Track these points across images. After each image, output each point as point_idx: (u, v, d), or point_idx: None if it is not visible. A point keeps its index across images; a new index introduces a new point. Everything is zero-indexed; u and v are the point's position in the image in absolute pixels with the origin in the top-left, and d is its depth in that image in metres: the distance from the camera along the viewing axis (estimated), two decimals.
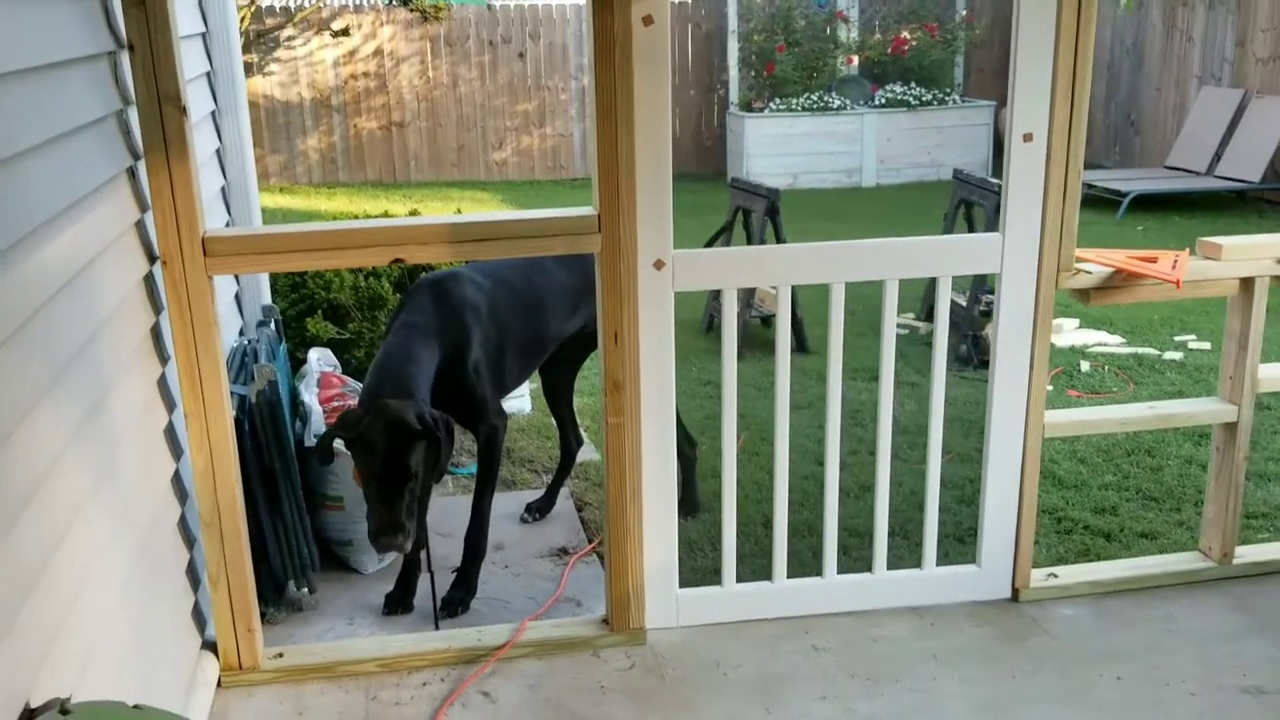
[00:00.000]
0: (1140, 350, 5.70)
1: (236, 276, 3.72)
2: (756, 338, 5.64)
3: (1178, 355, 5.61)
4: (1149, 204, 9.34)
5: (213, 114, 3.52)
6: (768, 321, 5.79)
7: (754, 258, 2.99)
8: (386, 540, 2.84)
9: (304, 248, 2.58)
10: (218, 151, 3.59)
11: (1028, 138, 2.79)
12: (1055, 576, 3.18)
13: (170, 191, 2.42)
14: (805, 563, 3.32)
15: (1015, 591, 3.13)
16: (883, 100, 11.52)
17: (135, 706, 1.15)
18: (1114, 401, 4.91)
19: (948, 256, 2.93)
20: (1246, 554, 3.23)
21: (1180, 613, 3.07)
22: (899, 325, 5.98)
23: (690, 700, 2.74)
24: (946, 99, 11.64)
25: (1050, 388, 5.13)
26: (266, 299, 3.94)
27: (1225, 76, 10.20)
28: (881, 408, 3.02)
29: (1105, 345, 5.81)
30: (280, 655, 2.87)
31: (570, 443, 3.89)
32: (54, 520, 1.81)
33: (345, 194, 11.26)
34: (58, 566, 1.78)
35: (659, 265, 2.71)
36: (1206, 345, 5.73)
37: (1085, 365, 5.48)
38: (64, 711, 1.03)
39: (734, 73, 11.70)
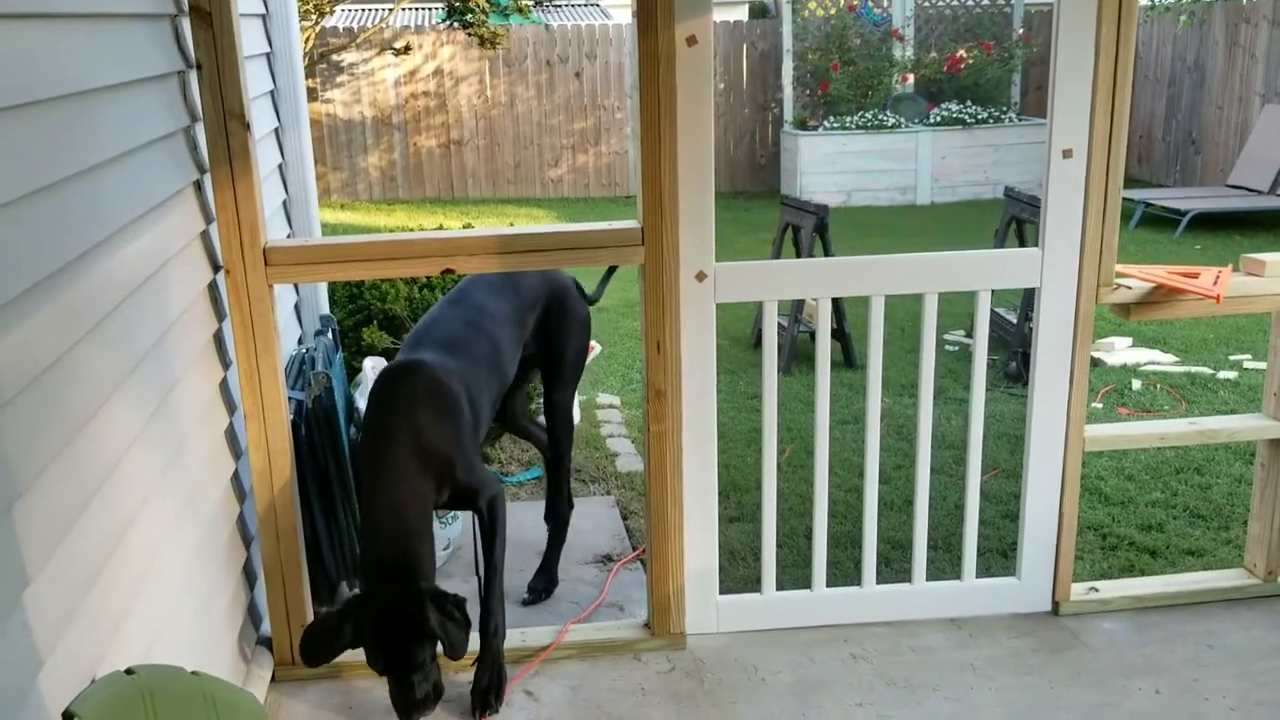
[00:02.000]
0: (1194, 369, 5.65)
1: (296, 287, 3.85)
2: (804, 352, 5.68)
3: (1232, 374, 5.55)
4: (1209, 223, 9.23)
5: (276, 131, 3.67)
6: (815, 336, 5.83)
7: (794, 271, 3.04)
8: (404, 718, 2.61)
9: (358, 258, 2.69)
10: (280, 167, 3.73)
11: (1067, 154, 2.82)
12: (1096, 590, 3.19)
13: (234, 204, 2.54)
14: (847, 573, 3.36)
15: (1055, 605, 3.14)
16: (938, 118, 11.51)
17: (193, 673, 1.24)
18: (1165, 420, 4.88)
19: (987, 271, 2.97)
20: None
21: (1222, 629, 3.06)
22: (950, 342, 6.04)
23: (728, 704, 2.79)
24: (1003, 117, 11.60)
25: (1100, 405, 5.12)
26: (325, 309, 4.07)
27: None
28: (921, 420, 3.06)
29: (1158, 364, 5.77)
30: None
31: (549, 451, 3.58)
32: (125, 505, 1.93)
33: (404, 210, 11.49)
34: (127, 550, 1.89)
35: (701, 277, 2.78)
36: (1262, 365, 5.66)
37: (1137, 384, 5.45)
38: (129, 671, 1.12)
39: (789, 91, 11.76)
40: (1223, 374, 5.56)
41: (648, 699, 2.81)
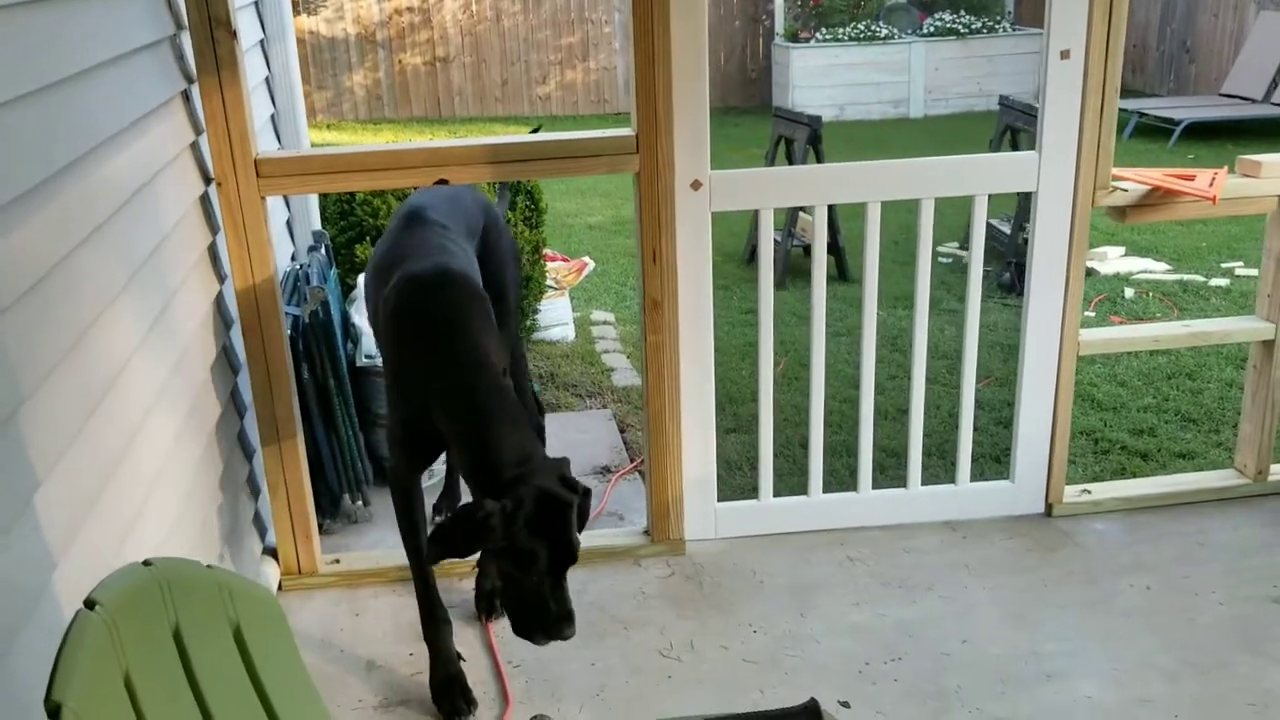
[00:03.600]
0: (1186, 277, 5.67)
1: (288, 203, 3.82)
2: (797, 267, 5.67)
3: (1224, 282, 5.57)
4: (1203, 132, 9.17)
5: (261, 42, 3.61)
6: (809, 250, 5.82)
7: (790, 178, 3.03)
8: (569, 628, 2.20)
9: (351, 168, 2.67)
10: (266, 80, 3.67)
11: (1065, 54, 2.79)
12: (1089, 492, 3.24)
13: (224, 114, 2.51)
14: (843, 480, 3.40)
15: (1048, 507, 3.19)
16: (931, 29, 11.35)
17: (209, 566, 1.27)
18: None
19: (984, 175, 2.96)
20: None
21: (1212, 527, 3.12)
22: (943, 254, 6.03)
23: (727, 605, 2.85)
24: (997, 27, 11.44)
25: (1093, 314, 5.14)
26: (316, 225, 4.04)
27: None
28: (916, 328, 3.07)
29: (1151, 272, 5.78)
30: (337, 561, 3.01)
31: None
32: (130, 413, 1.94)
33: (391, 129, 11.35)
34: (135, 458, 1.91)
35: (696, 185, 2.76)
36: (1254, 272, 5.67)
37: (1130, 292, 5.46)
38: (146, 563, 1.14)
39: (779, 2, 11.57)
40: (1215, 281, 5.58)
41: (648, 602, 2.87)
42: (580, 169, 2.76)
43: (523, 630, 2.22)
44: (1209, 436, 3.86)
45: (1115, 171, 2.93)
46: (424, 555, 2.45)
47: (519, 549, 2.13)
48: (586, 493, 2.28)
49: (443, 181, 2.71)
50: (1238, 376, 4.29)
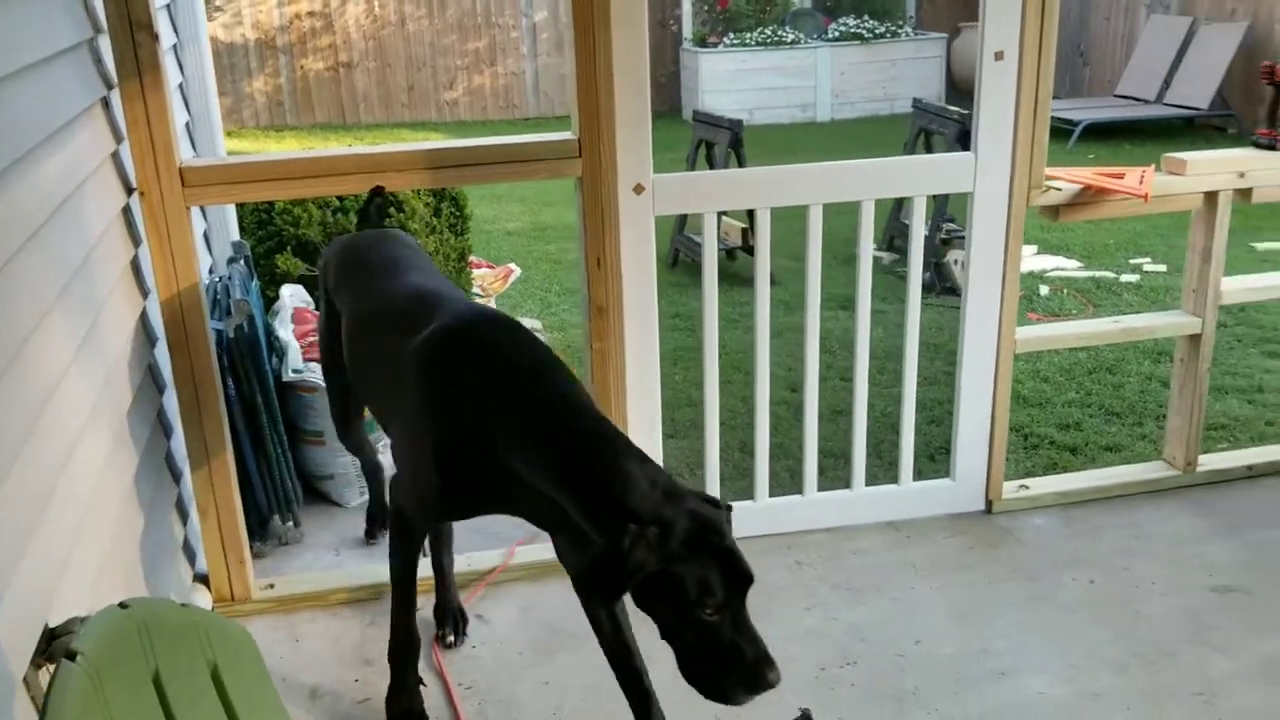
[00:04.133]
0: (1097, 274, 5.82)
1: (204, 213, 3.67)
2: (722, 270, 5.65)
3: (1134, 278, 5.73)
4: (1100, 132, 9.45)
5: (174, 47, 3.46)
6: (732, 254, 5.83)
7: (733, 181, 3.01)
8: (773, 671, 1.87)
9: (283, 176, 2.56)
10: (180, 86, 3.52)
11: (999, 56, 2.82)
12: (1026, 488, 3.28)
13: (146, 121, 2.39)
14: (783, 484, 3.39)
15: (988, 503, 3.22)
16: (836, 34, 11.51)
17: (182, 605, 1.18)
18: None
19: (922, 176, 2.97)
20: (1208, 462, 3.35)
21: (1147, 519, 3.18)
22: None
23: None
24: (899, 31, 11.65)
25: None
26: (235, 235, 3.90)
27: (1173, 4, 10.29)
28: (859, 329, 3.08)
29: (1063, 270, 5.92)
30: (271, 586, 2.89)
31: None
32: (66, 433, 1.82)
33: (294, 136, 11.09)
34: (69, 482, 1.79)
35: (639, 189, 2.72)
36: (1162, 268, 5.86)
37: (1044, 289, 5.58)
38: (122, 605, 1.06)
39: (687, 7, 11.61)
40: (1125, 277, 5.74)
41: None
42: (521, 174, 2.69)
43: (714, 689, 1.84)
44: (1133, 429, 3.95)
45: (1047, 171, 2.97)
46: (589, 602, 2.01)
47: (684, 576, 1.78)
48: (729, 508, 1.99)
49: (379, 189, 2.62)
50: (1155, 370, 4.41)
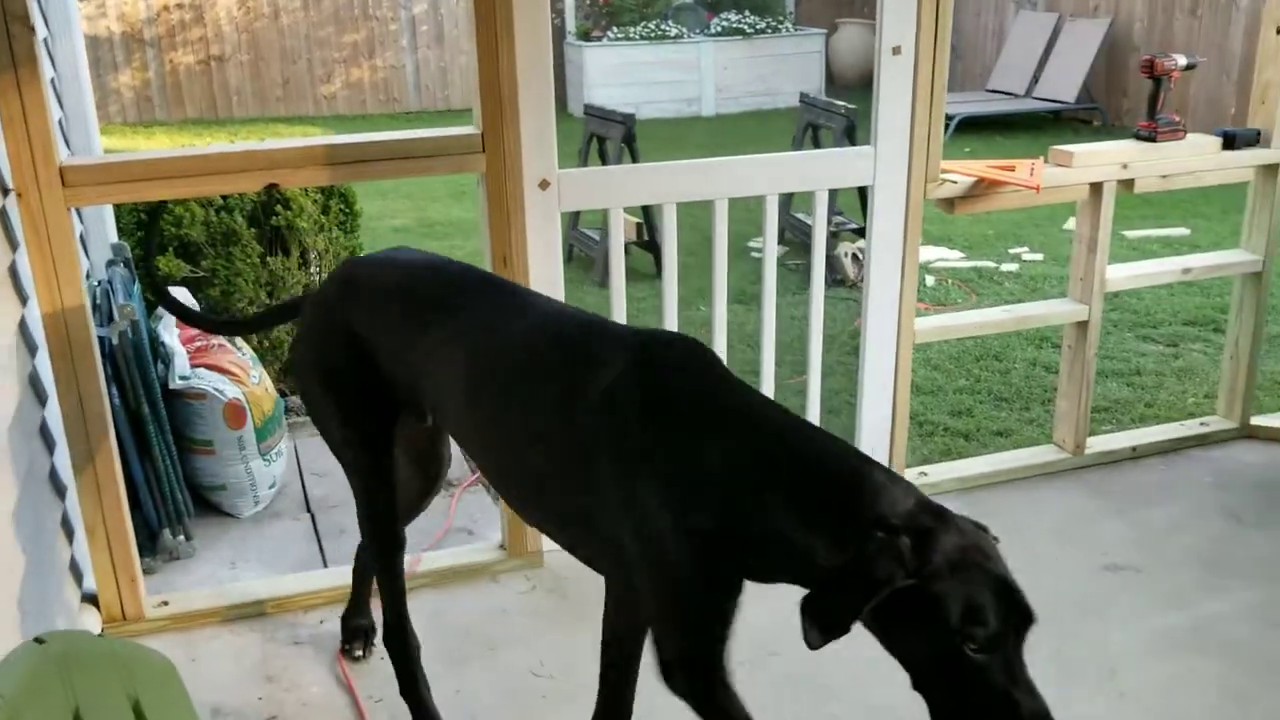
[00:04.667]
0: (979, 264, 5.99)
1: (80, 214, 3.48)
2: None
3: (1014, 267, 5.91)
4: (974, 126, 9.74)
5: (45, 41, 3.26)
6: (626, 249, 5.81)
7: (639, 175, 2.99)
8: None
9: (171, 174, 2.44)
10: (52, 81, 3.32)
11: (896, 50, 2.86)
12: (926, 475, 3.34)
13: (23, 117, 2.25)
14: None
15: None
16: (718, 29, 11.60)
17: (100, 635, 1.11)
18: (959, 312, 5.15)
19: (824, 170, 3.00)
20: (1096, 444, 3.47)
21: (1042, 501, 3.28)
22: (754, 249, 6.14)
23: (595, 616, 2.74)
24: (780, 26, 11.80)
25: None
26: (113, 237, 3.72)
27: (1040, 1, 10.66)
28: (764, 323, 3.09)
29: (946, 260, 6.07)
30: (165, 603, 2.77)
31: None
32: None
33: (165, 132, 10.67)
34: None
35: (544, 185, 2.68)
36: (1039, 256, 6.06)
37: (930, 280, 5.72)
38: (39, 640, 0.98)
39: (570, 1, 11.55)
40: (1006, 266, 5.92)
41: (512, 619, 2.76)
42: (422, 169, 2.62)
43: None
44: (1021, 414, 4.07)
45: (942, 164, 3.03)
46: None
47: (944, 595, 1.42)
48: (997, 538, 1.67)
49: (272, 186, 2.52)
50: (1039, 355, 4.56)
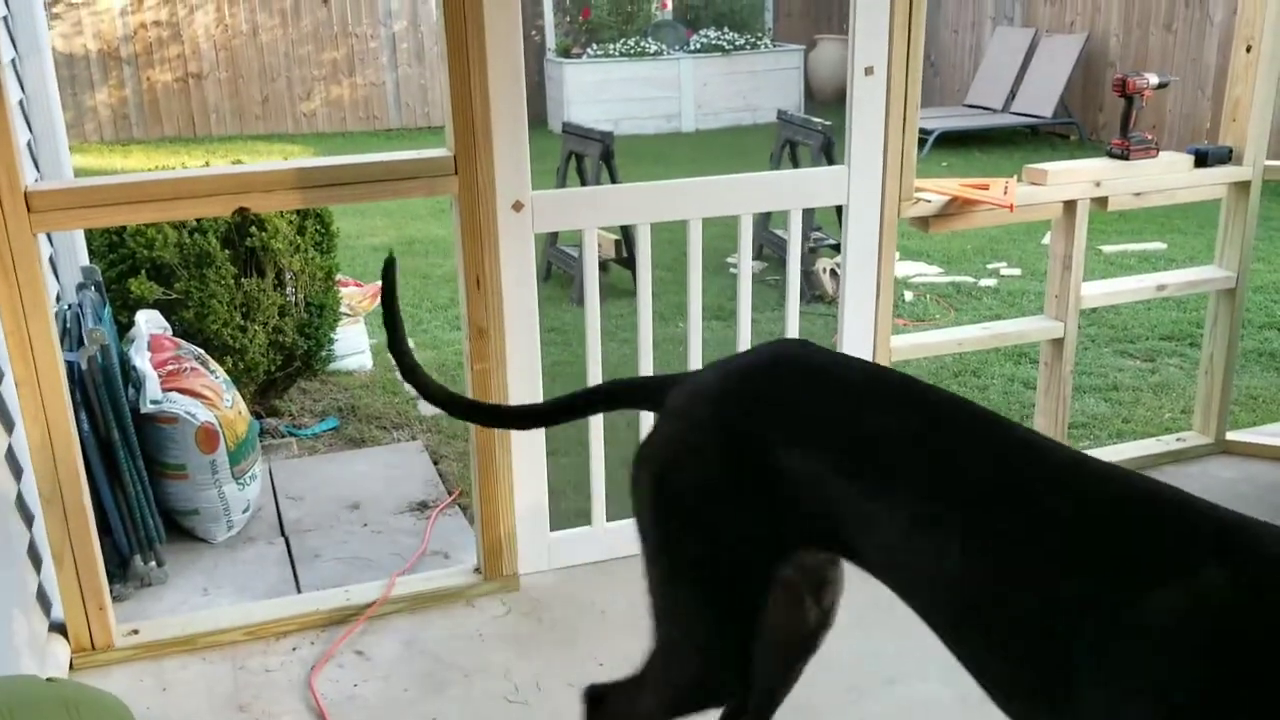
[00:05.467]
0: (957, 279, 6.00)
1: (50, 237, 3.45)
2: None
3: (992, 282, 5.93)
4: (952, 141, 9.78)
5: (13, 62, 3.24)
6: (605, 266, 5.80)
7: (613, 196, 2.98)
8: None
9: (139, 199, 2.42)
10: (21, 103, 3.30)
11: (869, 71, 2.86)
12: None
13: None
14: None
15: None
16: (698, 45, 11.63)
17: (49, 679, 1.08)
18: (937, 328, 5.15)
19: (798, 189, 3.00)
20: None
21: None
22: (732, 265, 6.14)
23: (570, 640, 2.75)
24: (759, 43, 11.84)
25: None
26: (84, 260, 3.68)
27: (1017, 16, 10.73)
28: (740, 340, 3.08)
29: (925, 275, 6.08)
30: (135, 632, 2.72)
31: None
32: None
33: (142, 151, 10.62)
34: None
35: (518, 207, 2.67)
36: (1017, 271, 6.08)
37: (909, 295, 5.73)
38: None
39: (549, 17, 11.57)
40: (984, 282, 5.93)
41: (487, 644, 2.73)
42: (395, 192, 2.60)
43: None
44: None
45: (915, 183, 3.03)
46: None
47: None
48: None
49: (242, 210, 2.50)
50: (1016, 371, 4.56)
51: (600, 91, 11.15)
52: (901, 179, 2.96)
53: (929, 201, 3.03)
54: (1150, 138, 3.26)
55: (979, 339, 3.35)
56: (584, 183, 5.60)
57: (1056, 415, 3.37)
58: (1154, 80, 3.25)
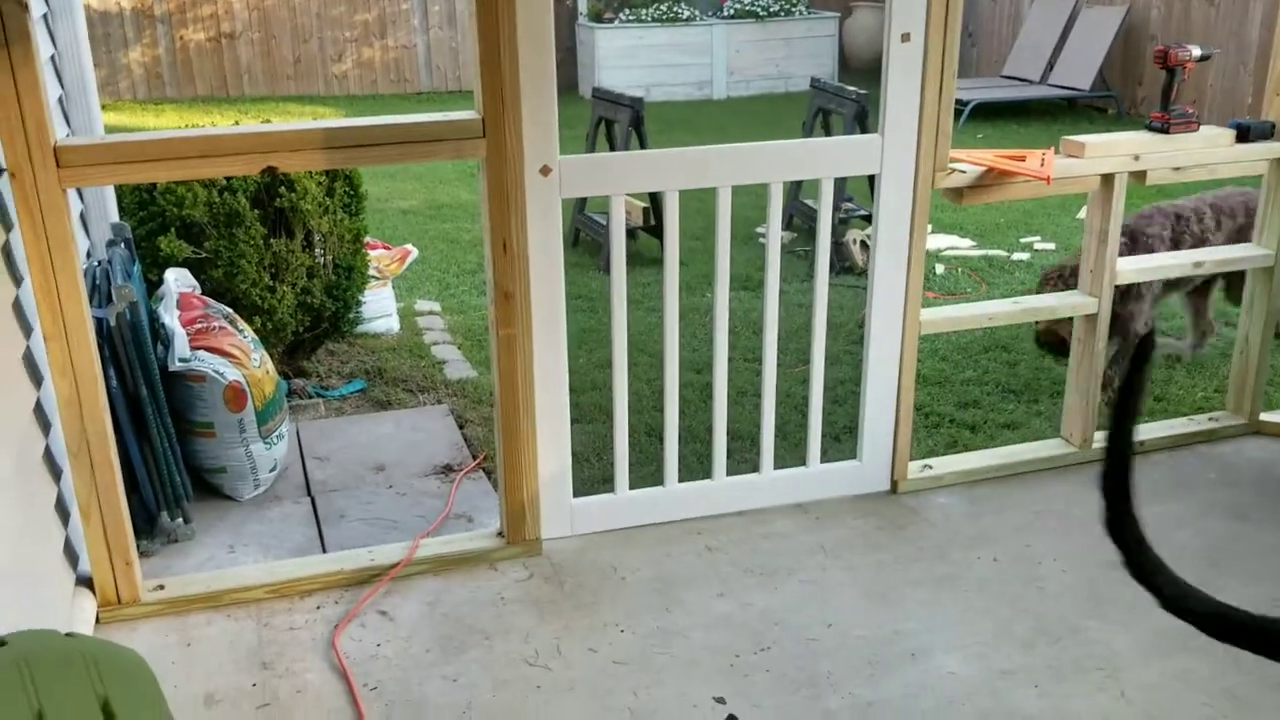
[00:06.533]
0: (990, 252, 5.93)
1: (81, 193, 3.47)
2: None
3: (1025, 256, 5.85)
4: (988, 112, 9.65)
5: (45, 17, 3.24)
6: (633, 234, 5.77)
7: (641, 162, 2.95)
8: None
9: (167, 156, 2.41)
10: (52, 58, 3.31)
11: (905, 38, 2.81)
12: (930, 468, 3.31)
13: (15, 96, 2.22)
14: (690, 468, 3.36)
15: (894, 484, 3.24)
16: (731, 11, 11.51)
17: (68, 634, 1.08)
18: (968, 302, 5.10)
19: (830, 158, 2.96)
20: (1104, 439, 3.41)
21: (1047, 496, 3.24)
22: (761, 235, 6.10)
23: (591, 605, 2.76)
24: (793, 10, 11.70)
25: None
26: (114, 216, 3.70)
27: None
28: (767, 311, 3.05)
29: (957, 249, 6.02)
30: (161, 587, 2.75)
31: None
32: None
33: (174, 110, 10.65)
34: None
35: (545, 171, 2.65)
36: (1051, 245, 6.00)
37: (940, 268, 5.67)
38: (1, 642, 0.96)
39: None
40: (1017, 255, 5.86)
41: (509, 607, 2.74)
42: (423, 154, 2.59)
43: None
44: (1029, 406, 4.02)
45: (950, 153, 2.98)
46: None
47: None
48: None
49: (270, 169, 2.49)
50: None
51: (631, 57, 11.06)
52: (936, 149, 2.92)
53: (964, 172, 2.98)
54: (1191, 111, 3.19)
55: (1010, 314, 3.31)
56: (613, 148, 5.57)
57: (1087, 393, 3.33)
58: (1196, 52, 3.18)
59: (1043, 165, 2.98)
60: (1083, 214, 5.63)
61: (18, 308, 2.39)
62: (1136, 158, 3.10)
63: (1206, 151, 3.18)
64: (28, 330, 2.44)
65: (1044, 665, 2.54)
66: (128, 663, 1.13)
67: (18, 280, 2.40)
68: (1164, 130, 3.15)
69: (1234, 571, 2.85)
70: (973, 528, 3.09)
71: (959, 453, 3.54)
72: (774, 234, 2.99)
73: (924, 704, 2.42)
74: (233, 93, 11.39)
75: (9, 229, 2.36)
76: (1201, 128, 3.20)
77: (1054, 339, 4.04)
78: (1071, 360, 3.39)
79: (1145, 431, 3.53)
